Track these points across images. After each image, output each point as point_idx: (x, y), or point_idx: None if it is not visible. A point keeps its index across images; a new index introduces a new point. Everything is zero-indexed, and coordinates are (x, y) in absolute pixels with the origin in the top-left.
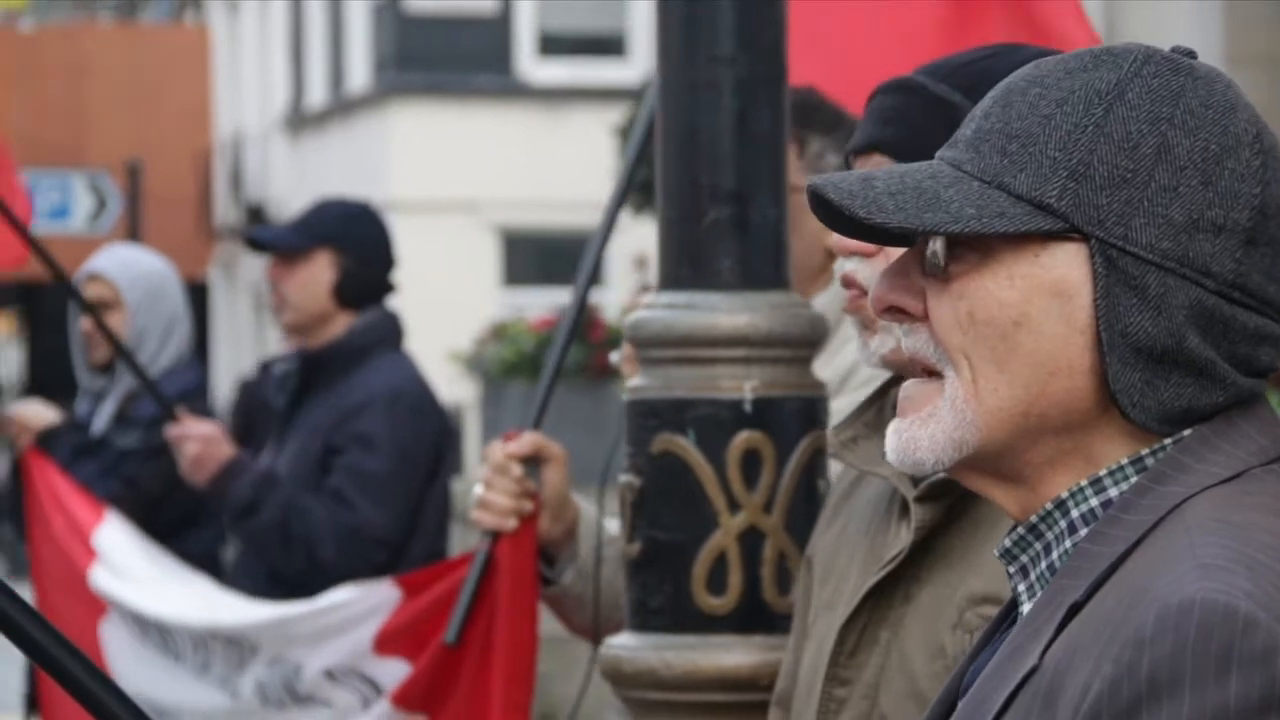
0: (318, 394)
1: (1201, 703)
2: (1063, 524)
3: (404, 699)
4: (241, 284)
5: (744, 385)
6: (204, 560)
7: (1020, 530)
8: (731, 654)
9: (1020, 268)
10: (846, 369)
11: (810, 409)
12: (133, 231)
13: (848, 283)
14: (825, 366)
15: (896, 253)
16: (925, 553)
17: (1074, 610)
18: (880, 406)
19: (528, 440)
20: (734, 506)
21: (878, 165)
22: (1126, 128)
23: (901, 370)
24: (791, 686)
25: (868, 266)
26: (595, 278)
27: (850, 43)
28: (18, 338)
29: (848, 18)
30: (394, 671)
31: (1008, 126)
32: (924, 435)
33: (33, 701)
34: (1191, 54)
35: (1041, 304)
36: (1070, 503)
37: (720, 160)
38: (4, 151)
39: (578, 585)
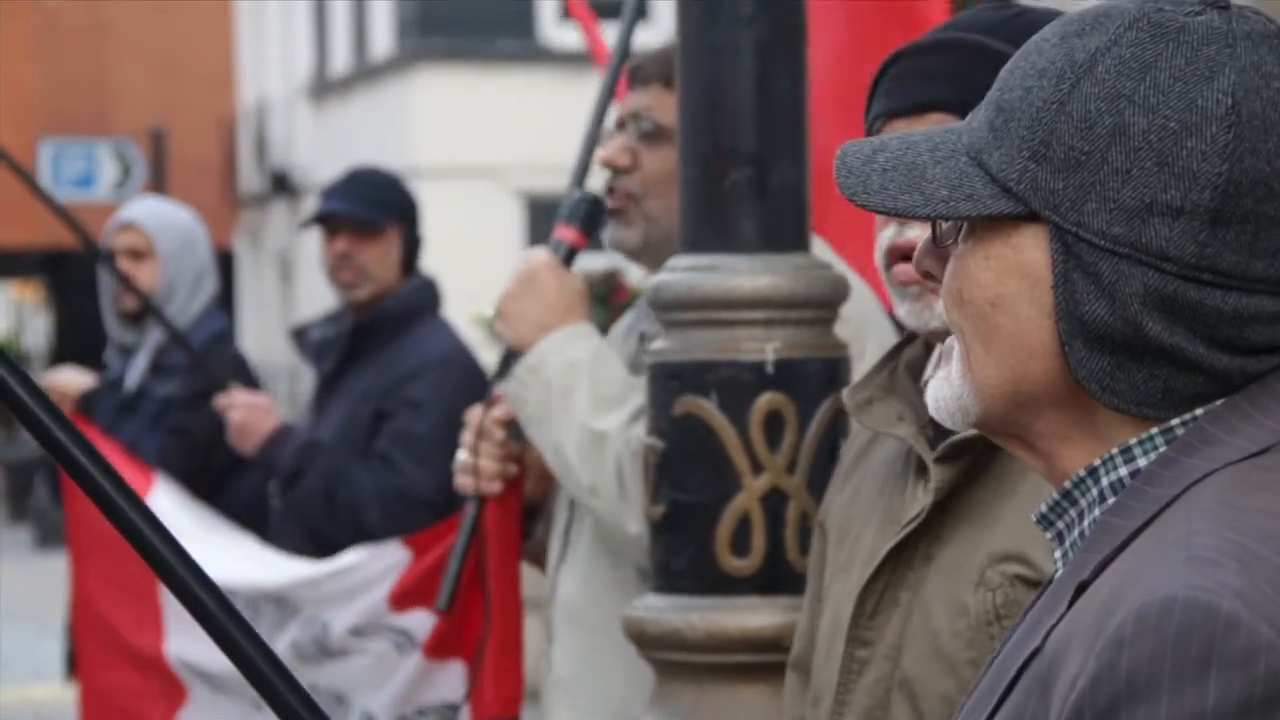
0: (364, 360)
1: (1180, 705)
2: (1094, 492)
3: (436, 649)
4: (267, 251)
5: (766, 347)
6: (257, 504)
7: (1055, 496)
8: (755, 615)
9: (994, 248)
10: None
11: (832, 370)
12: None
13: (906, 250)
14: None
15: None
16: (945, 512)
17: (1081, 589)
18: (893, 369)
19: None
20: (757, 468)
21: (933, 124)
22: (1086, 106)
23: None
24: (808, 649)
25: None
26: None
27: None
28: (45, 306)
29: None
30: (422, 621)
31: (1002, 96)
32: (943, 395)
33: (73, 667)
34: (1222, 5)
35: (1013, 286)
36: (1101, 470)
37: (741, 122)
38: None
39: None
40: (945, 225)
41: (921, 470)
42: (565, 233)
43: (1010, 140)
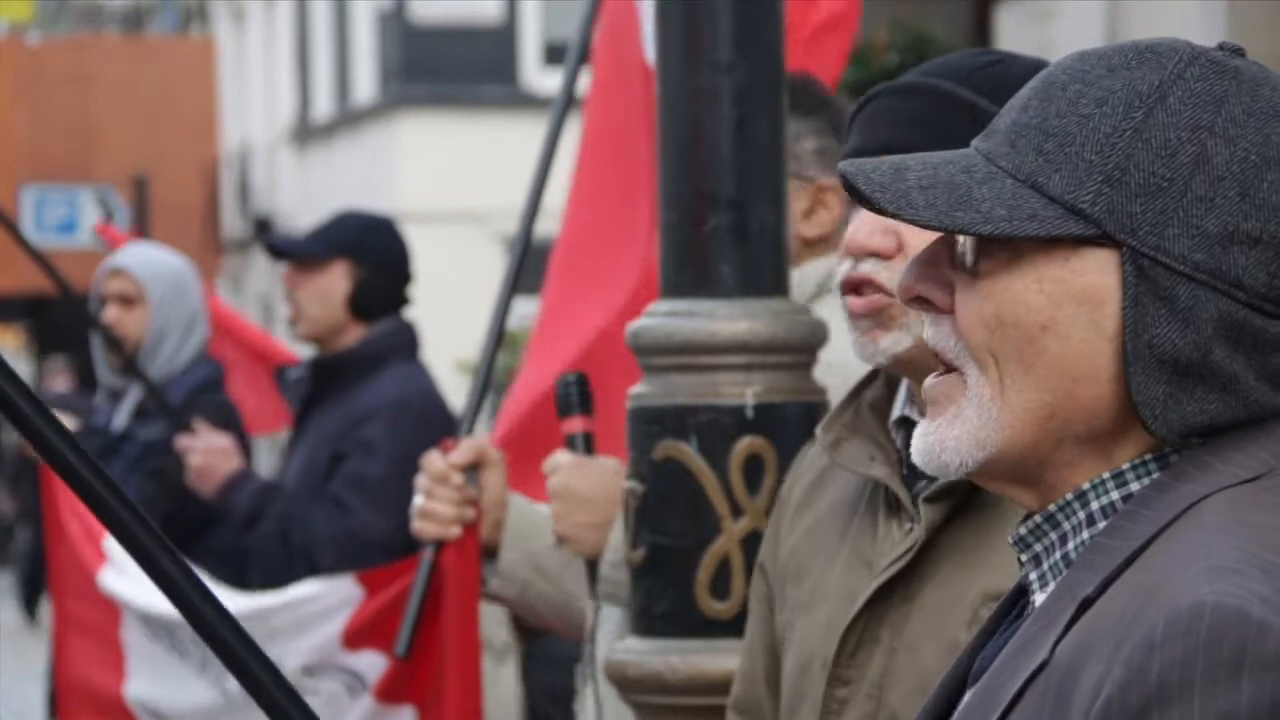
0: (329, 402)
1: (1212, 708)
2: (1081, 515)
3: (388, 693)
4: (249, 295)
5: (745, 391)
6: (234, 553)
7: (1037, 519)
8: (735, 658)
9: (1050, 271)
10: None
11: (811, 414)
12: None
13: (859, 283)
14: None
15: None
16: (926, 550)
17: (1085, 605)
18: (856, 408)
19: (467, 448)
20: (736, 511)
21: None
22: (1165, 134)
23: (908, 371)
24: (751, 692)
25: (886, 268)
26: (516, 284)
27: None
28: (26, 351)
29: None
30: (373, 663)
31: (1046, 123)
32: (950, 436)
33: (55, 709)
34: (1240, 51)
35: (1070, 310)
36: (1091, 494)
37: (720, 167)
38: None
39: (507, 589)
40: (967, 249)
41: (894, 509)
42: (573, 425)
43: (1072, 164)
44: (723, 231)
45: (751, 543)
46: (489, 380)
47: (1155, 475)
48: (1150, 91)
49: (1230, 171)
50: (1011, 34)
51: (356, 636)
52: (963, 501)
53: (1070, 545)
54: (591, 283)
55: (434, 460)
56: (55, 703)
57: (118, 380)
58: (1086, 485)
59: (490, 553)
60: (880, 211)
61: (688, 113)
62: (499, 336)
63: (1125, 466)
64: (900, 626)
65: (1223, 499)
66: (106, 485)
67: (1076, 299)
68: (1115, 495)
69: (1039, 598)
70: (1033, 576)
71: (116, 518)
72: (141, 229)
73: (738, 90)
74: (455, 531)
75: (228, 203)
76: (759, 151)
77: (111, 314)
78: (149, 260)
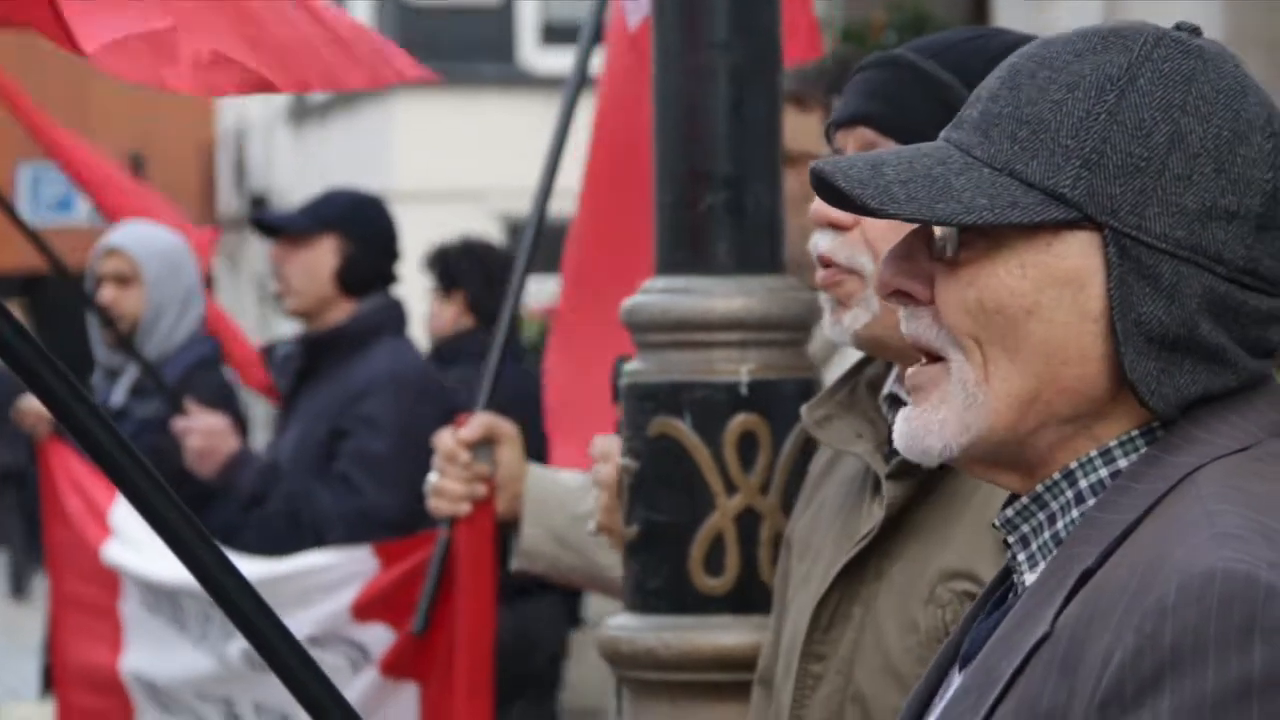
0: (320, 378)
1: (1226, 672)
2: (1070, 494)
3: (393, 667)
4: (246, 275)
5: (740, 368)
6: (230, 533)
7: (1024, 500)
8: (729, 634)
9: (1032, 256)
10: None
11: (806, 391)
12: None
13: (824, 261)
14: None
15: (872, 225)
16: (897, 529)
17: (1086, 577)
18: (853, 386)
19: (477, 423)
20: (730, 488)
21: (862, 138)
22: (1139, 115)
23: (872, 349)
24: (773, 665)
25: (843, 242)
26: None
27: None
28: None
29: None
30: (379, 636)
31: (1018, 111)
32: (935, 421)
33: (49, 682)
34: (1197, 31)
35: (1053, 293)
36: (1079, 473)
37: (716, 145)
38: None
39: (535, 564)
40: (947, 239)
41: (877, 487)
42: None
43: (1049, 150)
44: (718, 209)
45: (745, 519)
46: (505, 357)
47: (1143, 451)
48: (1120, 74)
49: (1205, 148)
50: (1009, 15)
51: (366, 609)
52: (929, 480)
53: (1060, 524)
54: (625, 265)
55: (444, 437)
56: (49, 677)
57: (114, 358)
58: (1074, 464)
59: (514, 526)
60: (863, 209)
61: (684, 91)
62: (514, 315)
63: (1112, 444)
64: (871, 603)
65: (1218, 469)
66: (122, 448)
67: (1060, 282)
68: (1104, 473)
69: (1028, 578)
70: (1021, 558)
71: (129, 479)
72: None
73: (734, 69)
74: (465, 509)
75: (224, 182)
76: (755, 130)
77: (107, 293)
78: (143, 238)
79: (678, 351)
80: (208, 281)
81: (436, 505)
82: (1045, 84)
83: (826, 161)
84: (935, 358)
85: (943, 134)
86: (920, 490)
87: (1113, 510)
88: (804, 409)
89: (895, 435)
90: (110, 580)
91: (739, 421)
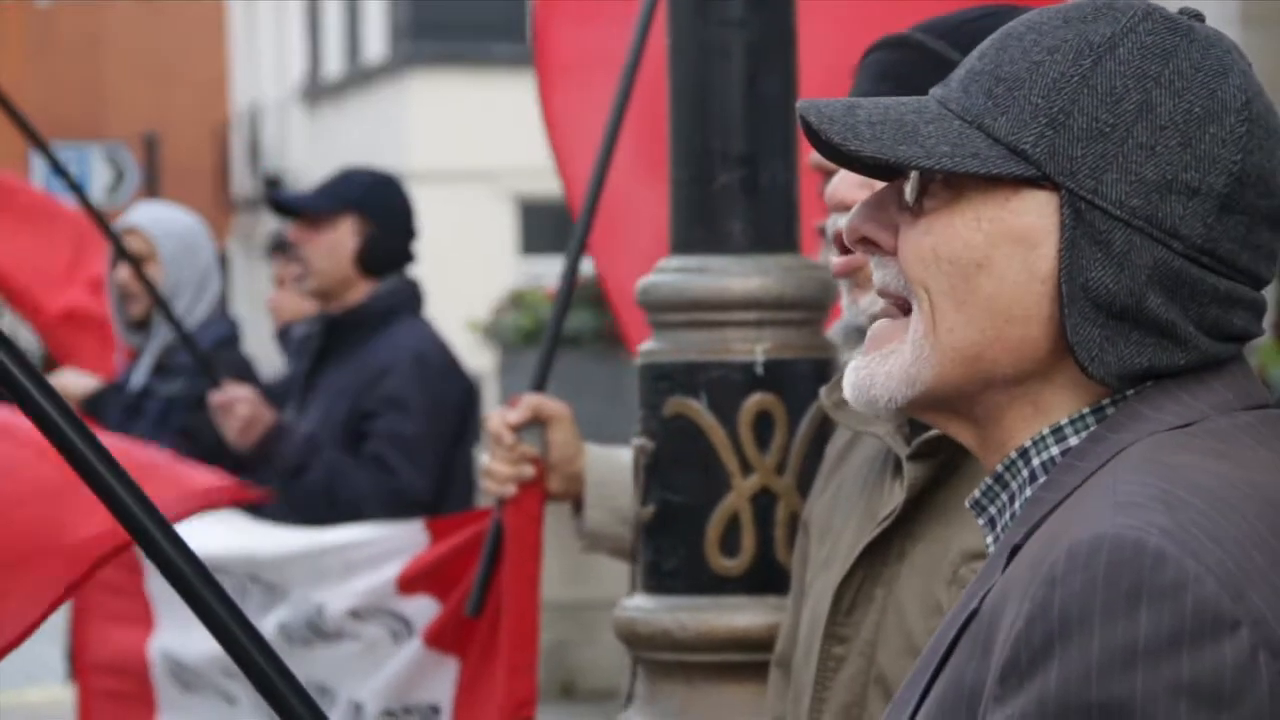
0: (339, 357)
1: (1111, 638)
2: (1025, 473)
3: (436, 638)
4: (260, 255)
5: (755, 348)
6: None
7: (988, 480)
8: (745, 615)
9: (989, 210)
10: None
11: (821, 371)
12: None
13: (840, 244)
14: None
15: None
16: (919, 509)
17: (1014, 554)
18: None
19: (525, 405)
20: (746, 468)
21: None
22: (1112, 82)
23: None
24: (791, 647)
25: None
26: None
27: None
28: None
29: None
30: (423, 608)
31: (998, 69)
32: (881, 371)
33: (72, 667)
34: (1198, 16)
35: (1006, 249)
36: (1032, 451)
37: (730, 123)
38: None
39: (600, 546)
40: (913, 185)
41: (898, 468)
42: None
43: (1019, 107)
44: (734, 188)
45: (761, 500)
46: (556, 340)
47: (1093, 428)
48: (1102, 42)
49: (1173, 121)
50: None
51: (412, 581)
52: (950, 460)
53: (1017, 504)
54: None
55: (492, 419)
56: (73, 661)
57: (136, 339)
58: (1028, 443)
59: (577, 507)
60: (827, 144)
61: (699, 68)
62: (568, 297)
63: (1064, 422)
64: (893, 585)
65: (1148, 443)
66: (108, 465)
67: (1013, 239)
68: (1055, 450)
69: (993, 552)
70: (989, 539)
71: (136, 522)
72: (152, 188)
73: (749, 46)
74: (510, 490)
75: (238, 162)
76: (770, 107)
77: (124, 273)
78: (160, 218)
79: (693, 331)
80: (220, 262)
81: (486, 486)
82: (1030, 46)
83: (809, 101)
84: (907, 310)
85: (932, 90)
86: (942, 470)
87: (1053, 489)
88: (822, 391)
89: (844, 385)
90: (132, 562)
91: (754, 401)
